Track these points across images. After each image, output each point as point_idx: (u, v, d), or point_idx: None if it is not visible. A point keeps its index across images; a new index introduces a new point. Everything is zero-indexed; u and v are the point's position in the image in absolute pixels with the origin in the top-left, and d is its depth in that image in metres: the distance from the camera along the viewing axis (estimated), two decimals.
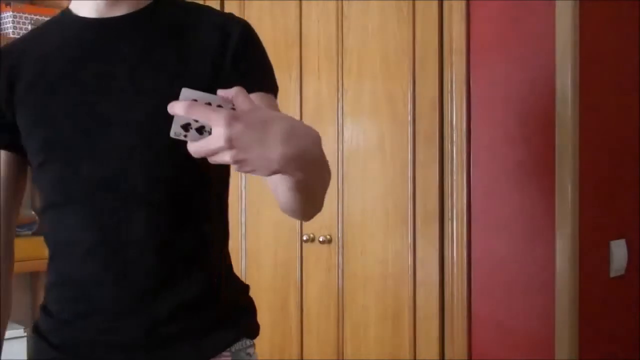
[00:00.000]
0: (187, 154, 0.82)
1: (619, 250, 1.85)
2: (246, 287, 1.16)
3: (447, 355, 1.88)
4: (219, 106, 0.81)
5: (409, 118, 1.95)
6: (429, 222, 1.91)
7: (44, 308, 1.17)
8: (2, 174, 1.13)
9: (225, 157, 0.79)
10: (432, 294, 1.90)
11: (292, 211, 1.03)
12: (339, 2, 2.11)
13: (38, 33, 1.15)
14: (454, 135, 1.86)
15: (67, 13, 1.11)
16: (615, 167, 1.88)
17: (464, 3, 1.84)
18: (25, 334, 2.53)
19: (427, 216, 1.92)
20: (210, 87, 0.96)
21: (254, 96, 1.07)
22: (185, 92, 0.82)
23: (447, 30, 1.88)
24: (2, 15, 2.57)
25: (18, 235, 2.65)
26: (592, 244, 1.75)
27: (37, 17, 2.59)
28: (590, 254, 1.74)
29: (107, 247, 1.04)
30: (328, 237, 2.07)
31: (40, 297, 2.81)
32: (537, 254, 1.72)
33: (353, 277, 2.06)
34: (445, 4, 1.88)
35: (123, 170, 1.02)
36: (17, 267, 2.74)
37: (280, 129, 0.81)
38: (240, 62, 1.07)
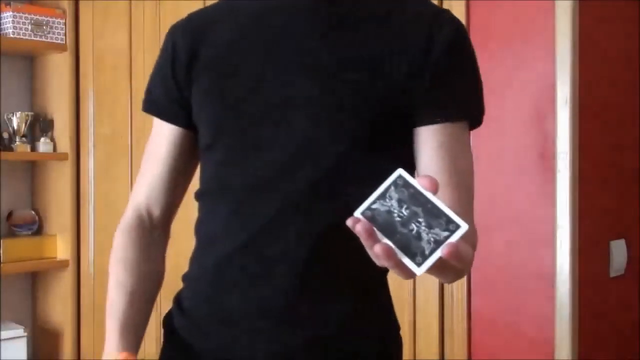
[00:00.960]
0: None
1: (619, 250, 1.85)
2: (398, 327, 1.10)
3: (447, 355, 1.88)
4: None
5: None
6: None
7: (177, 301, 1.07)
8: (173, 153, 1.06)
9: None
10: (432, 294, 1.90)
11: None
12: None
13: (230, 5, 1.05)
14: None
15: None
16: (615, 167, 1.88)
17: (464, 3, 1.84)
18: (25, 334, 2.54)
19: None
20: (401, 96, 0.92)
21: (444, 128, 0.97)
22: (401, 175, 0.71)
23: None
24: (2, 15, 2.57)
25: (18, 235, 2.65)
26: (592, 244, 1.75)
27: (37, 17, 2.59)
28: (590, 254, 1.74)
29: (250, 252, 0.95)
30: None
31: (41, 297, 2.83)
32: (537, 254, 1.72)
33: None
34: (445, 4, 1.88)
35: (291, 169, 0.92)
36: (17, 267, 2.74)
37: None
38: (440, 76, 0.94)
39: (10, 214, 2.70)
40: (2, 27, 2.57)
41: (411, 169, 0.99)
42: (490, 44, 1.81)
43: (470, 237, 0.92)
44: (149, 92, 1.09)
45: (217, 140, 0.98)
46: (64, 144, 2.66)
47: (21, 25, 2.55)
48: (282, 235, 0.93)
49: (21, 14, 2.55)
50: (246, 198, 0.95)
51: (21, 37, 2.55)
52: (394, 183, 0.70)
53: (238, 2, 1.04)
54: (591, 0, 1.73)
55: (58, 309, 2.69)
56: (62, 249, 2.67)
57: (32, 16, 2.57)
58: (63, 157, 2.64)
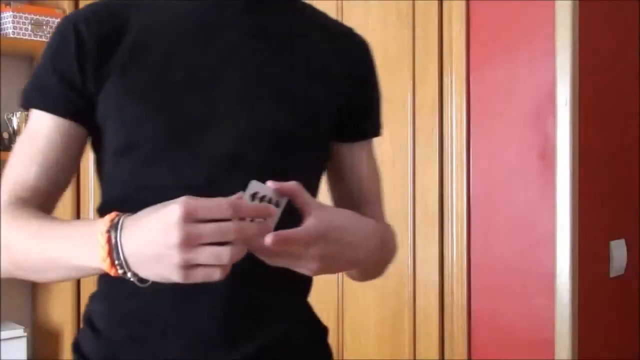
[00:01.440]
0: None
1: (619, 250, 1.85)
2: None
3: (447, 355, 1.88)
4: (277, 203, 0.80)
5: (409, 118, 1.95)
6: (429, 222, 1.91)
7: (89, 322, 0.99)
8: (55, 145, 0.93)
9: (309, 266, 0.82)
10: (432, 294, 1.90)
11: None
12: (339, 2, 2.11)
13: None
14: (454, 135, 1.86)
15: None
16: (615, 167, 1.88)
17: (464, 3, 1.84)
18: (25, 334, 2.53)
19: (427, 216, 1.92)
20: (325, 107, 0.96)
21: (365, 145, 1.09)
22: (254, 185, 0.79)
23: (447, 30, 1.88)
24: (2, 15, 2.57)
25: None
26: (592, 244, 1.75)
27: (37, 17, 2.59)
28: (590, 254, 1.74)
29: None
30: None
31: (41, 297, 2.82)
32: (537, 254, 1.72)
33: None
34: (445, 4, 1.88)
35: (221, 177, 0.90)
36: None
37: (351, 244, 0.85)
38: (365, 98, 1.06)
39: None
40: (2, 27, 2.57)
41: (318, 176, 1.05)
42: (490, 44, 1.81)
43: (381, 234, 1.00)
44: (36, 86, 0.95)
45: (140, 140, 0.90)
46: None
47: (21, 25, 2.54)
48: None
49: (21, 14, 2.55)
50: None
51: (21, 37, 2.55)
52: (252, 195, 0.79)
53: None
54: (591, 0, 1.73)
55: (58, 309, 2.69)
56: None
57: (32, 16, 2.57)
58: None
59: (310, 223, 0.80)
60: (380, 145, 2.02)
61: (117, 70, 0.91)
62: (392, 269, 2.02)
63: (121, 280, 0.90)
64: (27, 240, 0.85)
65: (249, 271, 0.87)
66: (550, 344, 1.68)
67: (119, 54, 0.92)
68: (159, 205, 0.75)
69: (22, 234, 0.86)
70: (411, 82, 1.95)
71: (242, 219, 0.75)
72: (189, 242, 0.71)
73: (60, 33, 0.94)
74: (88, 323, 0.98)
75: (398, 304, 1.98)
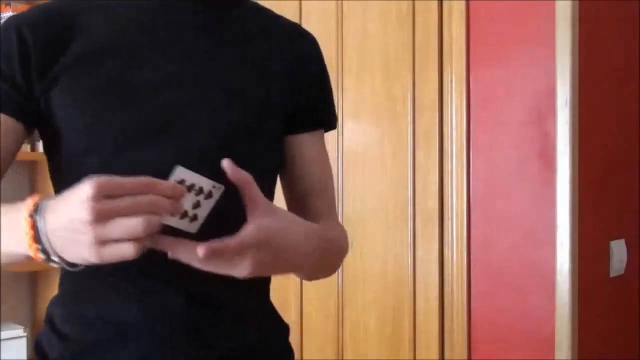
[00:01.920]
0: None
1: (619, 250, 1.85)
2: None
3: (447, 355, 1.88)
4: (209, 193, 0.79)
5: (409, 118, 1.95)
6: (429, 222, 1.91)
7: (50, 324, 0.97)
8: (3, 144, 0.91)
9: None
10: (432, 294, 1.90)
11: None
12: (339, 2, 2.11)
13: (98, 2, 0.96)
14: (454, 135, 1.86)
15: None
16: (615, 167, 1.88)
17: (464, 3, 1.84)
18: (25, 334, 2.54)
19: (427, 216, 1.92)
20: (279, 102, 0.96)
21: (317, 135, 1.08)
22: (179, 171, 0.77)
23: (447, 30, 1.88)
24: (2, 15, 2.57)
25: None
26: (592, 244, 1.75)
27: None
28: (590, 254, 1.74)
29: (145, 257, 0.88)
30: None
31: (41, 297, 2.83)
32: (537, 253, 1.72)
33: (353, 277, 2.06)
34: (445, 4, 1.88)
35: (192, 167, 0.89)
36: (17, 267, 2.73)
37: (286, 249, 0.85)
38: (314, 92, 1.06)
39: None
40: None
41: (274, 171, 1.06)
42: (490, 44, 1.81)
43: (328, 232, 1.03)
44: None
45: (98, 143, 0.89)
46: None
47: None
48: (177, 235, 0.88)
49: None
50: None
51: None
52: (179, 183, 0.78)
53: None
54: (591, 0, 1.73)
55: None
56: None
57: None
58: None
59: (247, 233, 0.78)
60: (380, 145, 2.03)
61: (68, 73, 0.90)
62: (392, 268, 2.03)
63: (82, 284, 0.92)
64: None
65: (210, 272, 0.87)
66: (550, 344, 1.68)
67: (68, 57, 0.90)
68: (75, 185, 0.74)
69: None
70: (411, 82, 1.95)
71: None
72: (99, 218, 0.70)
73: (2, 37, 0.91)
74: (49, 324, 0.96)
75: (398, 304, 1.98)
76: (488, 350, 1.81)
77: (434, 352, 1.89)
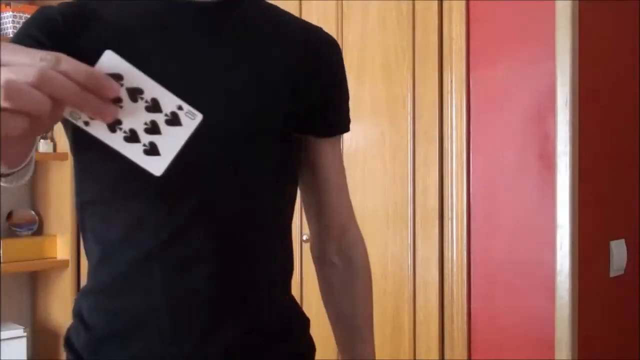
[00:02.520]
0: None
1: (619, 250, 1.85)
2: None
3: (447, 355, 1.88)
4: (173, 117, 0.62)
5: (409, 118, 1.95)
6: (429, 222, 1.91)
7: (79, 315, 0.99)
8: None
9: None
10: (432, 294, 1.90)
11: None
12: (339, 2, 2.11)
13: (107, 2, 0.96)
14: (454, 135, 1.86)
15: None
16: (615, 167, 1.88)
17: (464, 3, 1.84)
18: (25, 334, 2.54)
19: (427, 216, 1.92)
20: (289, 106, 0.96)
21: (334, 139, 1.09)
22: (109, 57, 0.61)
23: (447, 30, 1.88)
24: (2, 15, 2.57)
25: (18, 235, 2.65)
26: (592, 244, 1.75)
27: None
28: (590, 254, 1.74)
29: (163, 256, 0.90)
30: None
31: (40, 298, 2.82)
32: (537, 253, 1.72)
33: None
34: (445, 4, 1.89)
35: (205, 169, 0.90)
36: (17, 267, 2.74)
37: None
38: (334, 96, 1.07)
39: (10, 214, 2.70)
40: (2, 27, 2.57)
41: (289, 172, 1.06)
42: (490, 45, 1.81)
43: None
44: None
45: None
46: (64, 144, 2.66)
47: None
48: (197, 237, 0.91)
49: (21, 14, 2.55)
50: (156, 201, 0.90)
51: None
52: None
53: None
54: (591, 0, 1.73)
55: (58, 309, 2.69)
56: (62, 249, 2.67)
57: None
58: (63, 157, 2.64)
59: None
60: (381, 146, 2.03)
61: (90, 64, 0.89)
62: (392, 268, 2.03)
63: (109, 277, 0.94)
64: None
65: (230, 259, 0.92)
66: (550, 344, 1.68)
67: (84, 42, 0.90)
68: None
69: None
70: (411, 81, 1.95)
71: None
72: None
73: (35, 15, 0.93)
74: (78, 318, 0.98)
75: (398, 304, 1.98)
76: (488, 350, 1.81)
77: (434, 352, 1.89)
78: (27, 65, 0.56)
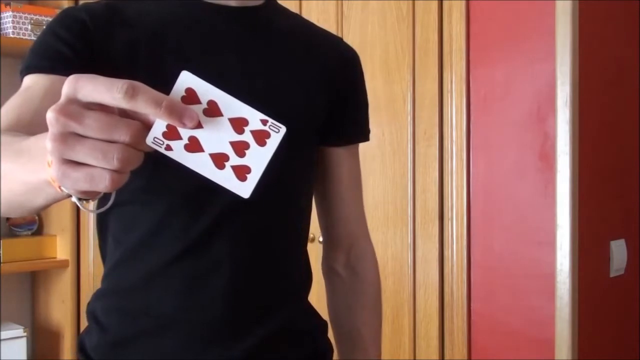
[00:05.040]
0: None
1: (619, 250, 1.85)
2: None
3: (447, 355, 1.88)
4: (266, 134, 0.57)
5: (409, 118, 1.95)
6: (429, 222, 1.91)
7: (94, 317, 0.98)
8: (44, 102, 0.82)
9: None
10: (432, 294, 1.90)
11: None
12: (339, 2, 2.11)
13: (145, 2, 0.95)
14: (454, 135, 1.86)
15: None
16: (615, 167, 1.88)
17: (464, 3, 1.84)
18: (25, 334, 2.53)
19: (427, 216, 1.92)
20: (318, 111, 0.96)
21: (353, 148, 1.10)
22: (188, 79, 0.57)
23: (447, 30, 1.88)
24: (2, 15, 2.57)
25: (18, 235, 2.65)
26: (592, 243, 1.75)
27: (37, 17, 2.59)
28: (590, 254, 1.74)
29: (192, 256, 0.90)
30: None
31: (40, 298, 2.83)
32: (537, 254, 1.72)
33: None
34: (445, 4, 1.88)
35: None
36: (17, 267, 2.74)
37: None
38: (356, 103, 1.08)
39: None
40: (1, 27, 2.57)
41: (311, 177, 1.06)
42: (490, 45, 1.81)
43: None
44: (34, 53, 0.92)
45: None
46: None
47: (21, 25, 2.54)
48: (220, 243, 0.91)
49: (21, 14, 2.55)
50: (182, 206, 0.90)
51: (21, 37, 2.55)
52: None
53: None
54: (591, 0, 1.73)
55: (58, 309, 2.69)
56: (62, 249, 2.67)
57: (32, 16, 2.57)
58: None
59: None
60: (381, 145, 2.03)
61: (114, 59, 0.88)
62: (392, 268, 2.03)
63: (125, 279, 0.93)
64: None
65: (253, 265, 0.92)
66: (550, 344, 1.68)
67: (116, 43, 0.90)
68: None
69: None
70: (411, 81, 1.95)
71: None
72: (62, 127, 0.54)
73: (62, 15, 0.92)
74: (92, 319, 0.97)
75: (398, 304, 1.98)
76: (488, 350, 1.81)
77: (434, 352, 1.89)
78: (108, 101, 0.53)
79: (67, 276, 2.65)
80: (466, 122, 1.84)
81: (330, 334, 1.11)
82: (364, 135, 1.12)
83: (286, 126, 0.57)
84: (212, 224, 0.90)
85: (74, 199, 0.60)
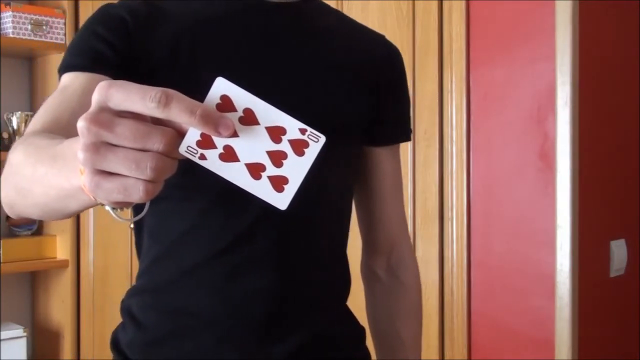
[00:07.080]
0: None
1: (619, 250, 1.85)
2: None
3: (447, 355, 1.88)
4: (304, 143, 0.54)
5: None
6: (429, 222, 1.91)
7: (129, 314, 0.97)
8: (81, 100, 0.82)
9: None
10: (432, 294, 1.90)
11: None
12: (339, 2, 2.11)
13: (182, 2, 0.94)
14: (454, 135, 1.86)
15: None
16: (615, 167, 1.88)
17: (464, 3, 1.84)
18: (25, 334, 2.53)
19: (427, 216, 1.92)
20: (363, 110, 0.95)
21: (395, 148, 1.08)
22: (223, 85, 0.54)
23: (447, 30, 1.88)
24: (2, 15, 2.57)
25: (18, 235, 2.65)
26: (592, 244, 1.75)
27: (37, 16, 2.59)
28: (590, 254, 1.74)
29: (230, 255, 0.90)
30: None
31: (40, 298, 2.82)
32: (537, 254, 1.72)
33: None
34: (445, 4, 1.88)
35: None
36: (17, 267, 2.74)
37: None
38: (399, 101, 1.06)
39: None
40: (1, 27, 2.57)
41: (354, 176, 1.05)
42: (490, 45, 1.81)
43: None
44: (72, 53, 0.90)
45: None
46: None
47: (21, 25, 2.54)
48: (261, 241, 0.90)
49: (21, 14, 2.55)
50: (223, 201, 0.89)
51: (21, 37, 2.55)
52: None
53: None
54: (591, 0, 1.73)
55: (58, 309, 2.69)
56: (62, 249, 2.67)
57: (32, 16, 2.57)
58: None
59: None
60: None
61: (154, 58, 0.88)
62: None
63: (161, 277, 0.93)
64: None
65: (292, 266, 0.91)
66: (550, 344, 1.68)
67: (155, 42, 0.89)
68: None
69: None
70: (411, 81, 1.95)
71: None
72: (94, 137, 0.52)
73: (101, 13, 0.91)
74: (128, 316, 0.97)
75: None
76: (488, 350, 1.81)
77: (434, 352, 1.89)
78: (140, 107, 0.51)
79: (67, 276, 2.65)
80: (466, 122, 1.84)
81: (369, 341, 1.10)
82: (407, 135, 1.11)
83: (327, 133, 0.55)
84: (252, 223, 0.89)
85: (107, 208, 0.59)
